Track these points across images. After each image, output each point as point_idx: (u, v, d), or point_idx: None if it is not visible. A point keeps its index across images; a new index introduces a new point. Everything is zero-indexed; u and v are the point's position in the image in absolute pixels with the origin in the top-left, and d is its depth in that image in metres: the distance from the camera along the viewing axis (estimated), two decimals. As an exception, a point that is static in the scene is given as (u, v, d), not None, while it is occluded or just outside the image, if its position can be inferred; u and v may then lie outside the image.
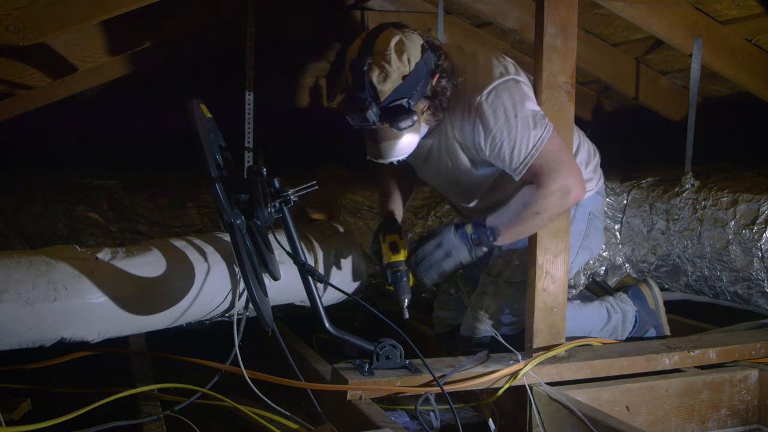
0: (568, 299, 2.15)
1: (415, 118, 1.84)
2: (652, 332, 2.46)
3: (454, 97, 1.95)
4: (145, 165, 3.14)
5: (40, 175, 2.88)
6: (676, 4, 2.59)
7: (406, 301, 2.07)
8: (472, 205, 2.24)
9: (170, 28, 2.82)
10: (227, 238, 1.94)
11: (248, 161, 2.79)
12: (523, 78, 1.98)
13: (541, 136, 1.89)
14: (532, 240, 2.04)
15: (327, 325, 1.93)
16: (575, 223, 2.24)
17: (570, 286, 2.62)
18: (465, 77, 1.96)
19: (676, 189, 2.80)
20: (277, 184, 1.90)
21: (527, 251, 2.08)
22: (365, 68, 1.81)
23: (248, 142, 2.77)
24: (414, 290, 2.13)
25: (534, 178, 1.92)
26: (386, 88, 1.81)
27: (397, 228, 2.20)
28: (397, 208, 2.33)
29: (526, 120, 1.89)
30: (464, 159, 2.06)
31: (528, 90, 1.96)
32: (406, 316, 2.08)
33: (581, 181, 1.96)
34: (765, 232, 2.44)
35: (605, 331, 2.35)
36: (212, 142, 1.86)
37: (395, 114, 1.82)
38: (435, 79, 1.90)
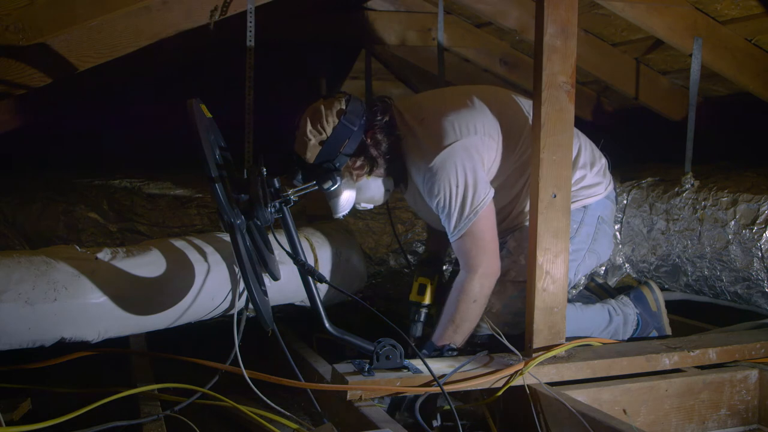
0: (569, 300, 2.15)
1: (338, 178, 2.05)
2: (654, 334, 2.46)
3: (418, 153, 2.11)
4: (145, 165, 3.14)
5: (40, 175, 2.88)
6: (676, 4, 2.59)
7: (414, 338, 2.26)
8: None
9: (170, 27, 2.81)
10: (227, 238, 1.94)
11: (248, 161, 2.79)
12: (479, 136, 2.08)
13: (476, 208, 2.05)
14: (532, 240, 2.04)
15: (327, 325, 1.93)
16: (584, 226, 2.25)
17: (570, 286, 2.62)
18: (424, 136, 2.11)
19: (676, 189, 2.80)
20: (277, 184, 1.91)
21: (530, 251, 2.09)
22: (293, 141, 2.10)
23: (248, 142, 2.77)
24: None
25: (462, 254, 2.10)
26: (308, 156, 2.06)
27: (433, 273, 2.39)
28: (442, 247, 2.50)
29: (465, 192, 2.05)
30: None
31: (476, 153, 2.07)
32: (412, 342, 2.12)
33: (498, 261, 2.12)
34: (765, 232, 2.44)
35: (606, 333, 2.35)
36: (212, 142, 1.86)
37: (318, 177, 2.05)
38: (369, 135, 2.09)
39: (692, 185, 2.76)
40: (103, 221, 2.72)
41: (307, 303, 1.99)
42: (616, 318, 2.38)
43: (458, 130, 2.09)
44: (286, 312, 2.62)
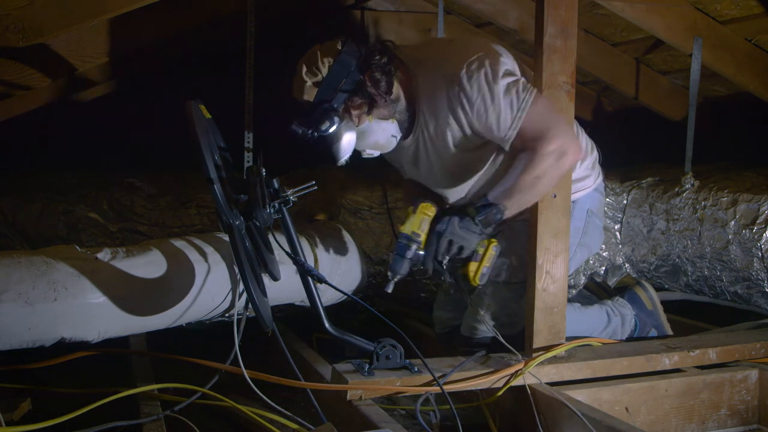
0: (568, 300, 2.15)
1: (335, 119, 1.96)
2: (653, 333, 2.46)
3: (432, 82, 2.01)
4: (145, 165, 3.14)
5: (40, 175, 2.88)
6: (676, 4, 2.59)
7: (397, 277, 2.00)
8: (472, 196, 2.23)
9: (170, 27, 2.82)
10: (227, 238, 1.94)
11: (248, 161, 2.79)
12: (503, 51, 2.03)
13: (524, 99, 1.93)
14: (532, 240, 2.04)
15: (327, 325, 1.93)
16: (573, 220, 2.24)
17: (570, 286, 2.63)
18: (440, 62, 2.02)
19: (676, 189, 2.80)
20: (276, 185, 1.90)
21: (526, 252, 2.08)
22: (291, 87, 2.02)
23: (248, 143, 2.77)
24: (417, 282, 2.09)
25: (526, 143, 1.96)
26: (305, 98, 1.99)
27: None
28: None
29: (506, 86, 1.94)
30: (456, 141, 2.06)
31: (507, 60, 2.01)
32: (389, 290, 2.01)
33: (575, 141, 2.00)
34: (765, 232, 2.44)
35: (605, 334, 2.35)
36: (211, 142, 1.86)
37: (315, 120, 1.97)
38: (366, 74, 1.99)
39: (692, 185, 2.76)
40: (103, 221, 2.72)
41: (307, 303, 1.99)
42: (614, 319, 2.38)
43: (488, 45, 2.03)
44: (287, 312, 2.62)
